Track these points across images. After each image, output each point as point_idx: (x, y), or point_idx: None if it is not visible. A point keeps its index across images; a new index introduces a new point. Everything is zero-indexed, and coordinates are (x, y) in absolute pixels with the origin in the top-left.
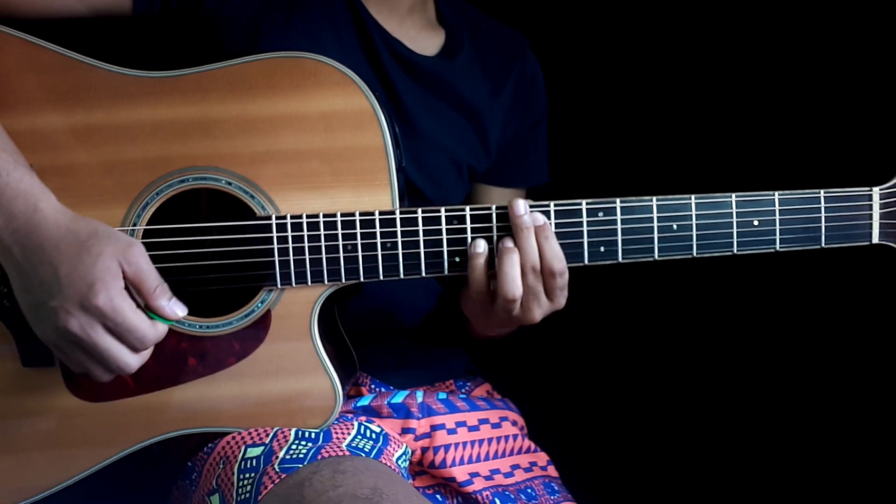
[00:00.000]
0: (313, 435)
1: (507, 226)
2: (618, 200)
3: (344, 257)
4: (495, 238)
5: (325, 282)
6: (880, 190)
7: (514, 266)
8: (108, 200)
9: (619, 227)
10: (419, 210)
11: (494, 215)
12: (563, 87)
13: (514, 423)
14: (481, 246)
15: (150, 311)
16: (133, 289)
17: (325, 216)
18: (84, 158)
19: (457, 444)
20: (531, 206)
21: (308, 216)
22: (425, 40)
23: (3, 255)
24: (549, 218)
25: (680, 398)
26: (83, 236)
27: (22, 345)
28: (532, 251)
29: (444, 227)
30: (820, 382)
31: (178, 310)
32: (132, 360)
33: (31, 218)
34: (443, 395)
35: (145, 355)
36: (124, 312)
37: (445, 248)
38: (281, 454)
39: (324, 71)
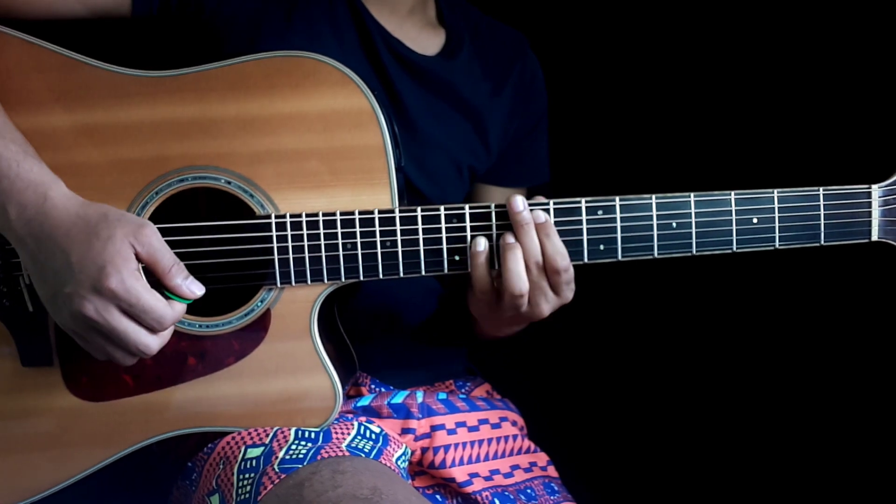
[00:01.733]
0: (313, 435)
1: (508, 224)
2: (617, 198)
3: (343, 256)
4: (495, 236)
5: (325, 281)
6: (879, 187)
7: (518, 262)
8: (108, 199)
9: (618, 225)
10: (418, 209)
11: (494, 213)
12: (563, 86)
13: (514, 424)
14: (482, 244)
15: (167, 291)
16: (149, 270)
17: (324, 215)
18: (84, 157)
19: (456, 445)
20: (530, 204)
21: (307, 215)
22: (426, 40)
23: (19, 245)
24: (547, 215)
25: (680, 398)
26: (93, 221)
27: (21, 344)
28: (534, 247)
29: (443, 225)
30: (820, 381)
31: (195, 288)
32: (151, 342)
33: (41, 207)
34: (443, 396)
35: (165, 336)
36: (138, 293)
37: (445, 247)
38: (280, 454)
39: (323, 70)
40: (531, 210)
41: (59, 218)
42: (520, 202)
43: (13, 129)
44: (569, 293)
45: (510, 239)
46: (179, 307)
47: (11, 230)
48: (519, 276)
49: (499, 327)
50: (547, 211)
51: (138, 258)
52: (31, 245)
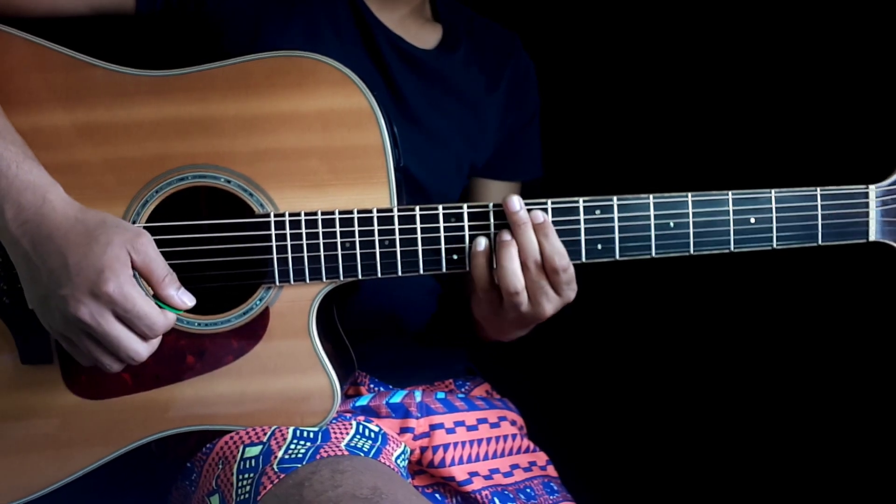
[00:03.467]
0: (312, 434)
1: (506, 223)
2: (615, 198)
3: (342, 255)
4: (492, 235)
5: (324, 279)
6: (877, 188)
7: (513, 259)
8: (109, 198)
9: (616, 224)
10: (417, 208)
11: (492, 213)
12: (562, 86)
13: (513, 423)
14: (482, 244)
15: (158, 300)
16: (142, 278)
17: (323, 214)
18: (85, 156)
19: (455, 444)
20: (528, 204)
21: (306, 214)
22: (425, 35)
23: (11, 246)
24: (545, 215)
25: (679, 397)
26: (91, 226)
27: (21, 342)
28: (532, 246)
29: (441, 224)
30: (819, 381)
31: (186, 299)
32: (142, 348)
33: (40, 209)
34: (441, 395)
35: (154, 344)
36: (134, 299)
37: (443, 246)
38: (279, 454)
39: (322, 70)
40: (529, 210)
41: (58, 221)
42: (516, 202)
43: (13, 131)
44: (570, 293)
45: (506, 237)
46: (171, 316)
47: (6, 230)
48: (514, 274)
49: (503, 330)
50: (545, 210)
51: (133, 266)
52: (25, 246)
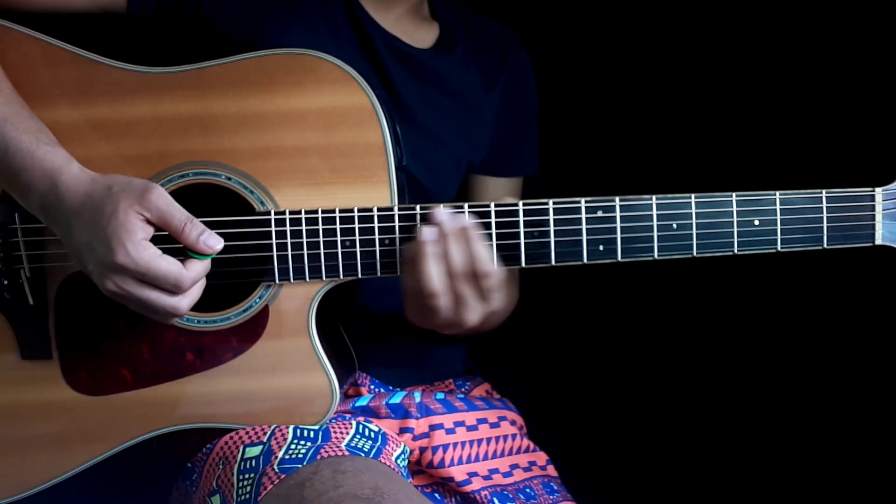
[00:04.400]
0: (312, 434)
1: (506, 221)
2: (617, 199)
3: (342, 253)
4: (494, 235)
5: (324, 278)
6: (883, 191)
7: (427, 261)
8: None
9: (618, 225)
10: (417, 207)
11: (493, 212)
12: (563, 85)
13: (513, 423)
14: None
15: (188, 250)
16: (164, 232)
17: (323, 212)
18: (86, 152)
19: (455, 444)
20: (529, 203)
21: (307, 212)
22: (422, 34)
23: (53, 228)
24: (546, 215)
25: (680, 398)
26: (98, 198)
27: (21, 337)
28: (457, 255)
29: None
30: (822, 384)
31: (212, 243)
32: (177, 303)
33: (56, 193)
34: (441, 395)
35: (194, 293)
36: (146, 262)
37: None
38: (280, 454)
39: (324, 68)
40: (453, 215)
41: (71, 202)
42: (440, 213)
43: (26, 116)
44: (494, 301)
45: (425, 236)
46: (198, 266)
47: (42, 217)
48: (429, 276)
49: (441, 330)
50: (545, 211)
51: (150, 223)
52: (57, 229)
